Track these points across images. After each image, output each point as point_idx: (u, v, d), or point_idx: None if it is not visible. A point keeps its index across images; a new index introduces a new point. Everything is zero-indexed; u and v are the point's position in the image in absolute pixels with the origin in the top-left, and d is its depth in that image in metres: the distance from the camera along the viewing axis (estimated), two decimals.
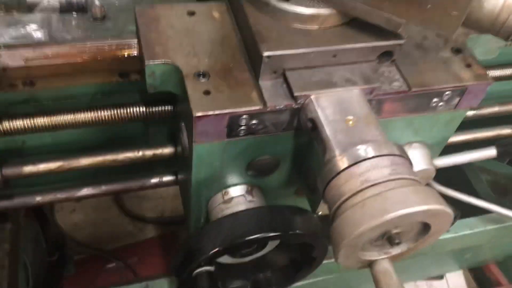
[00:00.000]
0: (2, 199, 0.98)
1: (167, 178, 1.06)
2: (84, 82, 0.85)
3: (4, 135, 0.84)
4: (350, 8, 0.70)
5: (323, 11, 0.71)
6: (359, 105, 0.70)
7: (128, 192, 1.06)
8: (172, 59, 0.73)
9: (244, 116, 0.70)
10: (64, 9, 0.92)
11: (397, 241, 0.60)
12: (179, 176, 1.01)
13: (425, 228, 0.62)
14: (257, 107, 0.69)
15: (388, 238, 0.61)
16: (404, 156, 0.63)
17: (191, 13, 0.80)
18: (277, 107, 0.70)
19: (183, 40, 0.76)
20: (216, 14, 0.80)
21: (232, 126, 0.70)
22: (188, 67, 0.72)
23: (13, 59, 0.76)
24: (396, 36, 0.72)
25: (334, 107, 0.69)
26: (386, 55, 0.74)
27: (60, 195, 1.02)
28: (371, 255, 0.65)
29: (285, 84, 0.72)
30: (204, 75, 0.71)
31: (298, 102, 0.70)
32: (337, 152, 0.64)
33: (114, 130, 1.01)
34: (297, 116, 0.72)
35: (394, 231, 0.60)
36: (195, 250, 0.74)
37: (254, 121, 0.71)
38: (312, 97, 0.70)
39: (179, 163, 0.98)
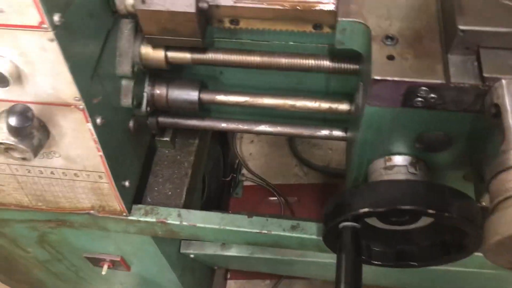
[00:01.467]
0: (195, 119, 1.14)
1: (337, 133, 1.10)
2: (281, 28, 0.91)
3: (207, 65, 0.96)
4: None
5: None
6: None
7: (299, 137, 1.13)
8: (364, 18, 0.74)
9: (424, 88, 0.68)
10: None
11: None
12: (348, 133, 1.03)
13: None
14: (439, 81, 0.68)
15: None
16: None
17: None
18: (462, 85, 0.67)
19: (380, 1, 0.76)
20: None
21: (409, 95, 0.70)
22: (378, 29, 0.73)
23: None
24: None
25: None
26: None
27: (242, 126, 1.14)
28: None
29: (477, 62, 0.68)
30: (392, 39, 0.71)
31: (486, 84, 0.66)
32: None
33: (299, 77, 1.06)
34: (482, 99, 0.68)
35: None
36: (346, 205, 0.78)
37: (433, 95, 0.69)
38: (503, 81, 0.65)
39: (351, 121, 1.00)
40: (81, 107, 0.81)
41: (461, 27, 0.65)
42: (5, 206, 1.09)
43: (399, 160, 0.84)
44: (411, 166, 0.83)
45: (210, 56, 0.95)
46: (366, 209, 0.74)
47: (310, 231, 1.04)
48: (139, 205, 1.09)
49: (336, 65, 0.92)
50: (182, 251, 1.40)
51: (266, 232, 1.04)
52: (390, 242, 0.90)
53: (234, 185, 2.39)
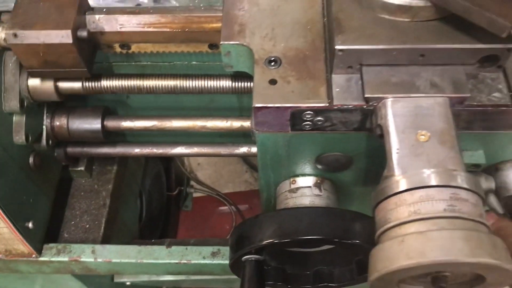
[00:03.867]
0: (106, 146, 1.08)
1: (255, 149, 1.06)
2: (175, 49, 0.86)
3: (103, 93, 0.90)
4: (449, 3, 0.59)
5: (416, 2, 0.62)
6: (440, 118, 0.60)
7: (218, 156, 1.08)
8: (247, 40, 0.70)
9: (308, 112, 0.65)
10: None
11: (442, 284, 0.52)
12: None
13: (480, 277, 0.53)
14: (321, 104, 0.64)
15: (432, 279, 0.53)
16: (475, 190, 0.53)
17: None
18: (345, 107, 0.64)
19: (264, 20, 0.72)
20: None
21: (295, 120, 0.66)
22: (261, 51, 0.69)
23: (109, 24, 0.80)
24: (504, 39, 0.59)
25: (409, 116, 0.60)
26: (489, 59, 0.62)
27: (156, 150, 1.08)
28: None
29: (360, 81, 0.65)
30: (275, 61, 0.68)
31: (370, 103, 0.63)
32: (396, 171, 0.57)
33: (210, 95, 1.02)
34: (370, 117, 0.65)
35: (442, 273, 0.53)
36: (247, 237, 0.74)
37: (319, 118, 0.66)
38: (387, 100, 0.62)
39: None
40: None
41: (339, 47, 0.62)
42: None
43: (304, 181, 0.80)
44: (315, 187, 0.79)
45: (103, 83, 0.89)
46: (265, 242, 0.70)
47: None
48: (51, 244, 1.03)
49: (238, 84, 0.88)
50: (116, 280, 1.34)
51: (185, 261, 1.00)
52: (306, 264, 0.87)
53: (182, 198, 2.33)
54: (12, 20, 0.76)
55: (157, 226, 1.97)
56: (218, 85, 0.88)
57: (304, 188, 0.80)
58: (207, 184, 2.39)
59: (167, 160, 2.08)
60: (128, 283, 1.37)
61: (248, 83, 0.88)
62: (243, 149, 1.07)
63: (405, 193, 0.53)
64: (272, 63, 0.68)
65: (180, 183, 2.31)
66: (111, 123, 0.99)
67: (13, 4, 0.80)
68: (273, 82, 0.66)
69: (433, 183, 0.53)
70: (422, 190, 0.53)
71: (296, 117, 0.66)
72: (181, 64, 0.94)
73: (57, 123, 0.98)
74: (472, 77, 0.64)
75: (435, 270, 0.51)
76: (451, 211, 0.51)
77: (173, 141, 1.09)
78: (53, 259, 1.01)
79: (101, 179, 1.19)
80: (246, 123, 0.98)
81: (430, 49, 0.62)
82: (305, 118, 0.66)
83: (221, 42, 0.71)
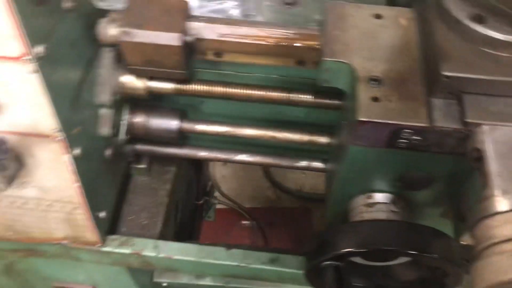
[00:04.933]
0: (173, 147, 1.13)
1: (316, 164, 1.10)
2: (264, 62, 0.91)
3: (190, 95, 0.95)
4: None
5: None
6: None
7: (278, 167, 1.13)
8: (349, 59, 0.75)
9: (408, 130, 0.70)
10: None
11: None
12: (328, 166, 1.04)
13: None
14: (423, 124, 0.69)
15: None
16: None
17: (378, 16, 0.80)
18: (444, 129, 0.68)
19: (364, 42, 0.77)
20: (402, 21, 0.79)
21: (393, 137, 0.71)
22: (363, 70, 0.74)
23: (210, 33, 0.85)
24: None
25: (507, 143, 0.65)
26: None
27: (220, 155, 1.13)
28: None
29: (459, 107, 0.69)
30: (376, 80, 0.73)
31: (468, 128, 0.68)
32: (497, 192, 0.61)
33: (280, 108, 1.07)
34: (464, 142, 0.70)
35: None
36: (330, 244, 0.78)
37: (416, 137, 0.70)
38: (485, 127, 0.67)
39: (331, 154, 1.01)
40: (58, 138, 0.79)
41: (445, 73, 0.67)
42: None
43: (380, 197, 0.84)
44: (392, 204, 0.83)
45: (193, 87, 0.94)
46: (350, 249, 0.74)
47: (290, 264, 1.03)
48: (114, 236, 1.06)
49: (318, 100, 0.93)
50: (155, 280, 1.37)
51: (244, 265, 1.03)
52: (371, 278, 0.91)
53: (206, 208, 2.36)
54: (125, 19, 0.81)
55: (185, 233, 2.00)
56: (298, 98, 0.93)
57: (381, 204, 0.84)
58: (230, 196, 2.42)
59: (196, 169, 2.12)
60: (164, 284, 1.40)
61: (329, 100, 0.93)
62: (304, 163, 1.11)
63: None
64: (374, 82, 0.72)
65: (205, 193, 2.35)
66: (186, 125, 1.04)
67: (116, 4, 0.86)
68: (375, 99, 0.71)
69: None
70: None
71: (394, 134, 0.70)
72: (262, 76, 0.99)
73: (137, 120, 1.02)
74: None
75: None
76: None
77: (233, 148, 1.13)
78: (116, 250, 1.04)
79: (160, 178, 1.23)
80: (314, 137, 1.02)
81: None
82: (403, 136, 0.71)
83: (324, 58, 0.76)
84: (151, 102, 1.05)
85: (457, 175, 0.78)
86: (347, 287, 0.88)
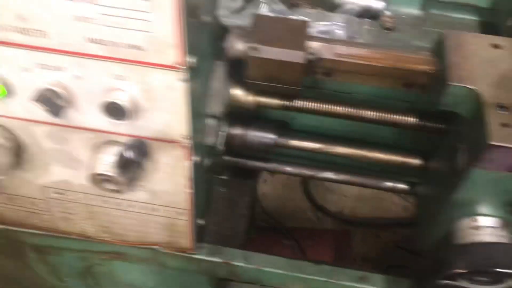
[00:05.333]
0: (261, 160, 1.16)
1: (401, 186, 1.12)
2: (370, 83, 0.95)
3: (298, 111, 0.98)
4: None
5: None
6: None
7: (362, 186, 1.15)
8: (475, 85, 0.78)
9: None
10: (360, 14, 1.04)
11: None
12: (421, 189, 1.06)
13: None
14: None
15: None
16: None
17: (496, 46, 0.84)
18: None
19: (486, 70, 0.80)
20: None
21: None
22: (490, 97, 0.77)
23: (328, 52, 0.89)
24: None
25: None
26: None
27: (307, 172, 1.16)
28: None
29: None
30: (504, 107, 0.75)
31: None
32: None
33: (371, 128, 1.10)
34: None
35: None
36: (445, 264, 0.79)
37: None
38: None
39: (427, 177, 1.03)
40: (186, 145, 0.82)
41: None
42: (66, 235, 1.07)
43: (487, 221, 0.86)
44: (500, 228, 0.85)
45: (298, 103, 0.98)
46: (467, 269, 0.76)
47: (377, 283, 1.05)
48: (203, 244, 1.08)
49: (423, 123, 0.96)
50: None
51: (334, 281, 1.05)
52: None
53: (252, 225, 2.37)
54: (253, 36, 0.85)
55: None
56: (404, 121, 0.96)
57: (488, 228, 0.86)
58: (271, 214, 2.44)
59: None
60: None
61: (434, 124, 0.95)
62: (389, 184, 1.14)
63: None
64: (502, 109, 0.75)
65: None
66: (281, 139, 1.07)
67: (239, 21, 0.90)
68: (504, 125, 0.73)
69: None
70: None
71: None
72: (364, 96, 1.02)
73: (235, 132, 1.06)
74: None
75: None
76: None
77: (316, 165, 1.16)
78: (206, 258, 1.07)
79: (238, 189, 1.26)
80: (407, 160, 1.05)
81: None
82: None
83: (449, 83, 0.79)
84: (248, 116, 1.09)
85: None
86: None
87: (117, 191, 0.85)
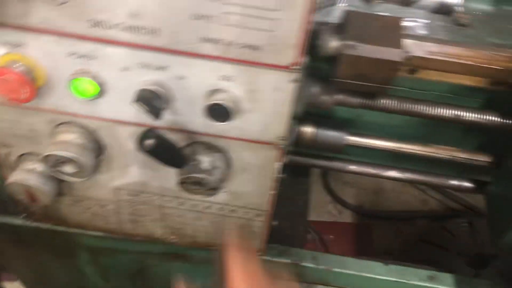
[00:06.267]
0: (324, 159, 1.13)
1: (466, 184, 1.11)
2: (454, 81, 0.93)
3: (376, 110, 0.96)
4: None
5: None
6: None
7: (427, 185, 1.14)
8: None
9: None
10: (435, 10, 1.01)
11: None
12: (493, 188, 1.05)
13: None
14: None
15: None
16: None
17: None
18: None
19: None
20: None
21: None
22: None
23: (418, 50, 0.86)
24: None
25: None
26: None
27: (371, 170, 1.14)
28: None
29: None
30: None
31: None
32: None
33: (437, 127, 1.08)
34: None
35: None
36: None
37: None
38: None
39: (501, 176, 1.02)
40: (280, 146, 0.80)
41: None
42: (131, 237, 1.04)
43: None
44: None
45: (378, 102, 0.95)
46: None
47: (447, 282, 1.04)
48: (272, 245, 1.06)
49: (503, 121, 0.94)
50: None
51: (404, 281, 1.03)
52: None
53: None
54: (348, 33, 0.82)
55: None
56: (484, 118, 0.94)
57: None
58: None
59: None
60: None
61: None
62: (454, 182, 1.13)
63: None
64: None
65: None
66: (352, 138, 1.04)
67: (327, 18, 0.87)
68: None
69: None
70: None
71: None
72: (433, 94, 1.00)
73: (306, 130, 1.03)
74: None
75: None
76: None
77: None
78: (275, 259, 1.05)
79: (295, 188, 1.24)
80: (475, 157, 1.04)
81: None
82: None
83: None
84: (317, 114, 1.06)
85: None
86: None
87: (210, 195, 0.82)
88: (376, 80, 0.86)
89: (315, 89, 0.94)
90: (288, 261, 1.05)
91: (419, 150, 1.06)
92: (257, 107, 0.74)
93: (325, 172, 2.52)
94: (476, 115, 0.95)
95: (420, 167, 1.15)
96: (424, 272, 1.05)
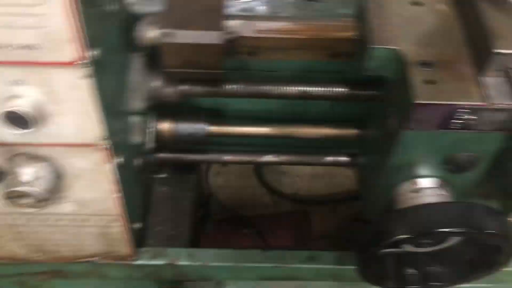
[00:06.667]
0: (197, 153, 1.11)
1: (342, 159, 1.10)
2: (296, 57, 0.91)
3: (223, 96, 0.93)
4: None
5: None
6: None
7: (304, 165, 1.13)
8: (397, 45, 0.76)
9: (463, 110, 0.71)
10: None
11: None
12: (361, 159, 1.04)
13: None
14: (478, 102, 0.70)
15: None
16: None
17: (415, 3, 0.82)
18: (500, 106, 0.70)
19: (407, 29, 0.78)
20: (440, 6, 0.81)
21: (447, 118, 0.72)
22: (412, 55, 0.75)
23: (248, 29, 0.84)
24: None
25: None
26: None
27: (246, 158, 1.12)
28: None
29: (509, 83, 0.71)
30: (427, 64, 0.74)
31: None
32: None
33: (304, 104, 1.07)
34: None
35: None
36: (386, 231, 0.77)
37: (470, 116, 0.72)
38: None
39: (363, 147, 1.01)
40: (104, 147, 0.76)
41: (497, 51, 0.69)
42: None
43: (426, 182, 0.85)
44: (439, 188, 0.84)
45: (225, 88, 0.93)
46: (409, 235, 0.74)
47: (327, 261, 1.03)
48: (146, 248, 1.03)
49: (354, 92, 0.93)
50: None
51: (282, 265, 1.02)
52: (417, 264, 0.91)
53: (203, 220, 2.32)
54: (165, 21, 0.79)
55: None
56: (336, 92, 0.93)
57: (427, 189, 0.84)
58: (227, 205, 2.40)
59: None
60: None
61: (365, 91, 0.93)
62: (330, 158, 1.12)
63: None
64: (425, 66, 0.73)
65: (203, 204, 2.31)
66: (214, 129, 1.02)
67: (152, 7, 0.84)
68: (428, 82, 0.72)
69: None
70: None
71: (449, 115, 0.71)
72: (294, 72, 0.98)
73: (163, 126, 1.00)
74: None
75: None
76: None
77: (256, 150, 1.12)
78: (149, 262, 1.01)
79: (181, 186, 1.21)
80: (342, 131, 1.03)
81: None
82: (457, 117, 0.72)
83: (371, 46, 0.76)
84: (176, 108, 1.04)
85: (505, 152, 0.79)
86: (400, 276, 0.88)
87: (37, 207, 0.78)
88: (205, 66, 0.84)
89: (156, 82, 0.91)
90: (163, 262, 1.01)
91: (286, 132, 1.04)
92: (61, 109, 0.70)
93: (257, 165, 2.50)
94: (323, 89, 0.93)
95: (298, 148, 1.14)
96: (304, 253, 1.03)
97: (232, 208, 2.38)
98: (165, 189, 1.19)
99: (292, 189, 2.52)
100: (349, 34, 0.85)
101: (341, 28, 0.86)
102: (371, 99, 0.93)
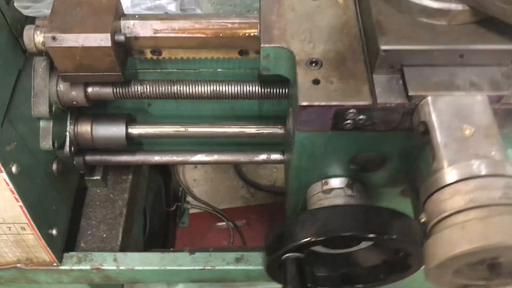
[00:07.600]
0: (126, 154, 1.08)
1: (275, 156, 1.07)
2: (206, 55, 0.88)
3: (133, 98, 0.90)
4: (487, 6, 0.62)
5: (454, 6, 0.65)
6: (481, 114, 0.63)
7: (238, 163, 1.10)
8: (287, 43, 0.72)
9: (351, 110, 0.67)
10: None
11: (498, 271, 0.54)
12: (285, 156, 1.01)
13: None
14: (366, 103, 0.66)
15: (489, 266, 0.55)
16: None
17: None
18: (388, 105, 0.66)
19: (302, 25, 0.74)
20: (340, 0, 0.77)
21: (337, 119, 0.68)
22: (302, 53, 0.71)
23: (144, 30, 0.81)
24: None
25: (452, 113, 0.63)
26: None
27: (176, 158, 1.09)
28: (467, 280, 0.60)
29: (401, 81, 0.67)
30: (316, 62, 0.70)
31: (412, 102, 0.66)
32: (445, 164, 0.59)
33: (232, 103, 1.04)
34: (410, 117, 0.68)
35: (498, 260, 0.55)
36: (288, 235, 0.75)
37: (361, 117, 0.68)
38: (429, 98, 0.65)
39: (285, 144, 0.98)
40: None
41: (384, 47, 0.65)
42: None
43: (336, 182, 0.82)
44: (348, 188, 0.81)
45: (134, 89, 0.90)
46: (308, 239, 0.72)
47: (255, 262, 1.00)
48: (71, 253, 1.02)
49: (266, 90, 0.90)
50: None
51: (209, 268, 1.00)
52: (334, 266, 0.88)
53: (179, 214, 2.31)
54: (50, 24, 0.77)
55: (157, 242, 1.95)
56: (245, 90, 0.90)
57: (337, 189, 0.81)
58: (203, 200, 2.38)
59: (165, 175, 2.08)
60: None
61: (276, 89, 0.90)
62: (263, 156, 1.09)
63: (460, 183, 0.56)
64: (314, 64, 0.70)
65: (177, 199, 2.30)
66: (135, 130, 1.00)
67: (46, 10, 0.81)
68: (316, 82, 0.68)
69: (485, 173, 0.55)
70: (476, 180, 0.55)
71: (338, 116, 0.68)
72: (207, 71, 0.95)
73: (81, 130, 0.98)
74: (506, 77, 0.67)
75: (494, 255, 0.53)
76: (507, 199, 0.53)
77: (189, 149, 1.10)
78: (74, 267, 1.00)
79: (116, 188, 1.19)
80: (269, 130, 1.00)
81: (469, 50, 0.65)
82: (347, 117, 0.68)
83: (261, 45, 0.73)
84: (96, 110, 1.01)
85: (409, 153, 0.76)
86: (310, 278, 0.85)
87: None
88: (100, 68, 0.81)
89: (63, 85, 0.88)
90: (88, 267, 1.00)
91: (214, 131, 1.01)
92: None
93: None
94: (235, 88, 0.90)
95: (231, 146, 1.11)
96: (231, 255, 1.01)
97: (207, 202, 2.37)
98: (100, 191, 1.18)
99: (270, 181, 2.50)
100: (252, 31, 0.82)
101: (243, 25, 0.82)
102: (284, 97, 0.90)
